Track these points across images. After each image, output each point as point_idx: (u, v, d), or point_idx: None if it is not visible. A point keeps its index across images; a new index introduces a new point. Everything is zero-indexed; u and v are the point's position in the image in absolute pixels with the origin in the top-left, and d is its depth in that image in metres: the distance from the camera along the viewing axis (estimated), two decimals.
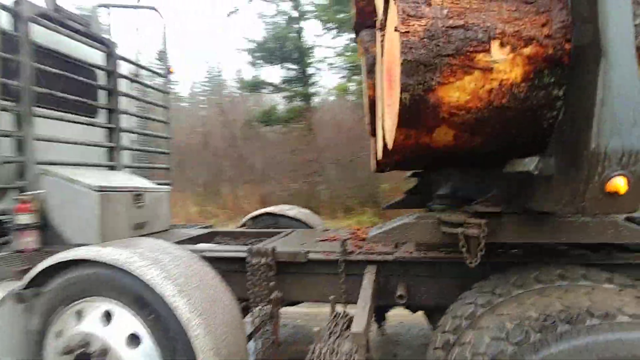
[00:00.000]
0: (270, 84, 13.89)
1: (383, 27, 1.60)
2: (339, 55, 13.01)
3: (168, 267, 1.70)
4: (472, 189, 1.65)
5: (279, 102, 14.64)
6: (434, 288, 1.85)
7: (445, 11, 1.17)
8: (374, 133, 2.61)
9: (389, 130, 1.43)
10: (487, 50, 1.14)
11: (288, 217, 3.47)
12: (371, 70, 2.36)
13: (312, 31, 14.04)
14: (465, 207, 1.48)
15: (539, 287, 1.33)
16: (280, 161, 12.21)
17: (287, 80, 13.96)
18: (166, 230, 3.21)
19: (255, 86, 14.02)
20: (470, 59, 1.14)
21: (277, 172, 11.99)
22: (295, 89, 14.01)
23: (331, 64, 12.87)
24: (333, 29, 12.39)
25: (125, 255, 1.69)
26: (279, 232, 2.91)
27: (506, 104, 1.17)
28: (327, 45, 14.59)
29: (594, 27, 1.00)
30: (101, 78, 3.20)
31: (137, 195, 2.89)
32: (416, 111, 1.21)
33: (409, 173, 3.48)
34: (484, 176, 1.60)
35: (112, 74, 3.14)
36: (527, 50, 1.12)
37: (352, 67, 12.53)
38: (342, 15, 11.50)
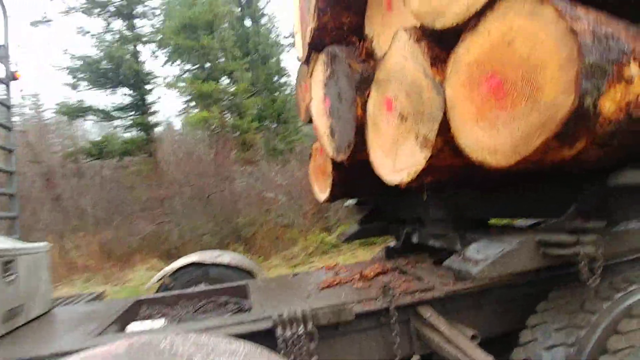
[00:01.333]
0: (101, 111, 11.75)
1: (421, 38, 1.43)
2: (186, 83, 12.12)
3: None
4: (544, 206, 1.61)
5: (114, 131, 12.47)
6: (484, 318, 1.71)
7: (593, 17, 1.11)
8: (350, 158, 2.38)
9: (505, 142, 1.25)
10: (628, 64, 1.12)
11: (222, 265, 2.81)
12: (359, 88, 2.15)
13: (154, 55, 12.68)
14: (564, 226, 1.41)
15: None
16: (121, 201, 10.26)
17: (122, 108, 12.11)
18: (48, 311, 2.13)
19: (79, 112, 11.61)
20: (621, 70, 1.09)
21: (118, 214, 10.01)
22: (132, 117, 12.26)
23: (181, 92, 11.85)
24: (181, 55, 11.52)
25: None
26: (229, 287, 2.30)
27: (637, 115, 1.16)
28: (173, 74, 13.40)
29: None
30: None
31: (7, 262, 1.82)
32: (582, 119, 1.08)
33: (349, 201, 3.33)
34: (555, 192, 1.59)
35: None
36: None
37: (201, 96, 11.86)
38: (191, 42, 10.84)
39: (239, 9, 17.50)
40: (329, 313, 1.50)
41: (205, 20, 10.85)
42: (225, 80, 14.77)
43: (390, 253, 2.67)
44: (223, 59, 13.16)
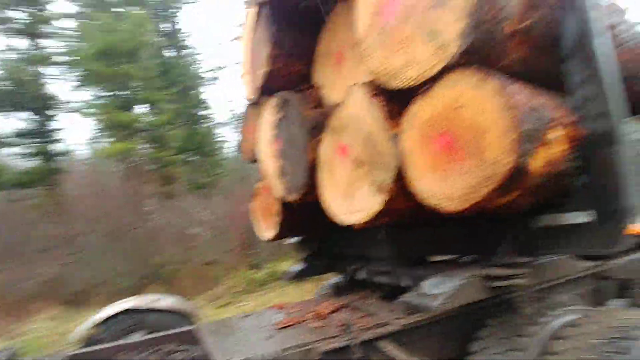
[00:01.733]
0: None
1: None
2: (99, 110, 11.28)
3: None
4: (482, 245, 1.85)
5: (5, 160, 10.89)
6: (438, 346, 1.86)
7: (527, 91, 1.40)
8: (302, 198, 2.47)
9: (458, 191, 1.45)
10: (551, 130, 1.41)
11: (160, 311, 2.62)
12: (313, 133, 2.29)
13: (62, 79, 11.60)
14: (500, 261, 1.64)
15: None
16: (17, 240, 8.87)
17: (22, 134, 10.78)
18: None
19: None
20: (546, 135, 1.38)
21: (12, 255, 8.60)
22: (33, 144, 10.96)
23: (96, 119, 10.95)
24: (97, 81, 10.74)
25: None
26: (175, 334, 2.16)
27: (556, 170, 1.46)
28: (82, 100, 12.33)
29: (607, 122, 1.45)
30: None
31: None
32: (518, 175, 1.32)
33: (293, 239, 3.38)
34: (490, 232, 1.84)
35: None
36: (567, 132, 1.47)
37: (118, 126, 11.12)
38: (110, 69, 10.21)
39: (161, 38, 17.12)
40: (298, 353, 1.52)
41: (128, 47, 10.39)
42: (141, 110, 14.08)
43: (337, 290, 2.76)
44: (143, 89, 12.59)
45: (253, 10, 2.82)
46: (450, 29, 1.42)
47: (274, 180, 2.78)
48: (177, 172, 12.96)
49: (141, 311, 2.56)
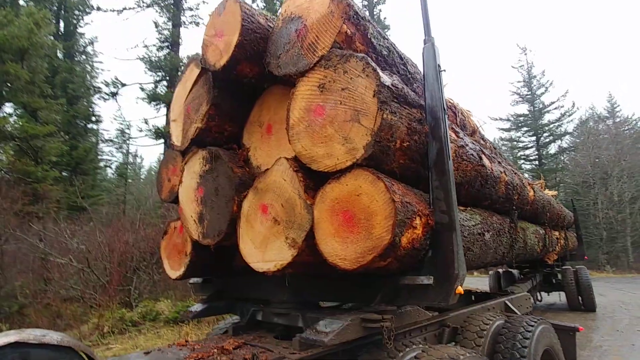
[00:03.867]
0: None
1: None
2: None
3: None
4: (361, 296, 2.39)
5: None
6: None
7: (401, 191, 2.05)
8: (217, 243, 2.78)
9: (351, 254, 1.99)
10: (415, 218, 2.08)
11: (50, 346, 2.53)
12: (238, 189, 2.68)
13: None
14: (374, 308, 2.20)
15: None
16: None
17: None
18: None
19: None
20: (412, 221, 2.04)
21: None
22: None
23: None
24: None
25: None
26: None
27: (416, 246, 2.12)
28: None
29: (449, 216, 2.19)
30: None
31: None
32: (392, 248, 1.92)
33: (195, 279, 3.57)
34: (368, 285, 2.40)
35: None
36: (424, 221, 2.16)
37: None
38: None
39: (59, 42, 15.68)
40: None
41: (18, 46, 9.35)
42: (15, 115, 12.41)
43: (234, 330, 3.01)
44: (24, 92, 11.23)
45: (195, 68, 3.18)
46: (360, 139, 2.03)
47: (190, 223, 3.03)
48: (49, 190, 11.47)
49: (27, 345, 2.42)
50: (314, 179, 2.31)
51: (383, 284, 2.32)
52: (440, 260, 2.17)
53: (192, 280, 3.53)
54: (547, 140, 33.98)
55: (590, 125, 34.95)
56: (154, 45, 19.75)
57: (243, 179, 2.76)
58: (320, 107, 2.23)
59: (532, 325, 3.06)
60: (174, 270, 3.19)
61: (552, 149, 34.78)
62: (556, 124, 33.54)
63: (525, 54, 43.18)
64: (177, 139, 3.26)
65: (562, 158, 34.70)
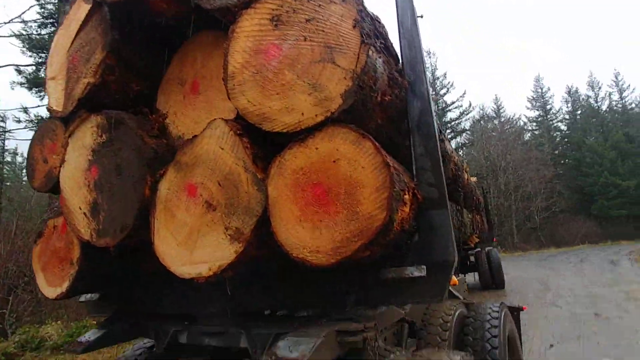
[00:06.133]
0: None
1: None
2: None
3: None
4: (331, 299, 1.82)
5: None
6: None
7: (390, 157, 1.54)
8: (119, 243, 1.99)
9: (328, 244, 1.43)
10: (406, 193, 1.59)
11: None
12: (152, 165, 1.93)
13: None
14: (348, 314, 1.65)
15: None
16: None
17: None
18: None
19: None
20: (403, 196, 1.54)
21: None
22: None
23: None
24: None
25: None
26: None
27: (406, 228, 1.64)
28: None
29: (438, 190, 1.76)
30: None
31: None
32: (385, 231, 1.40)
33: (88, 295, 2.69)
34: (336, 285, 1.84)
35: None
36: (411, 196, 1.69)
37: None
38: None
39: None
40: None
41: None
42: None
43: (150, 359, 2.24)
44: None
45: (83, 4, 2.29)
46: (335, 85, 1.47)
47: (78, 217, 2.16)
48: None
49: None
50: (265, 146, 1.70)
51: (357, 280, 1.80)
52: (430, 245, 1.72)
53: (84, 297, 2.61)
54: (450, 136, 37.24)
55: (482, 124, 39.28)
56: (35, 21, 16.67)
57: (159, 152, 2.01)
58: (274, 47, 1.61)
59: (497, 312, 2.82)
60: (53, 286, 2.27)
61: (453, 144, 38.21)
62: (457, 122, 36.92)
63: (430, 57, 46.93)
64: (56, 102, 2.33)
65: (461, 153, 38.36)
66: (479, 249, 9.87)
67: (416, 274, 1.66)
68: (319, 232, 1.46)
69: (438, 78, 37.17)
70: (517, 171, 33.63)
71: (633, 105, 43.35)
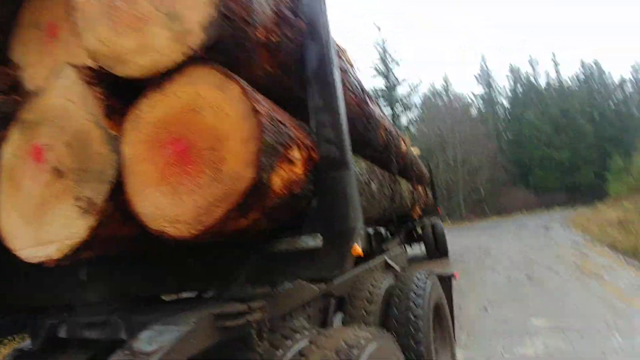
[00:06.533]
0: None
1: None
2: None
3: None
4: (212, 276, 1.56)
5: None
6: None
7: (267, 104, 1.28)
8: None
9: (188, 212, 1.16)
10: (292, 148, 1.36)
11: None
12: None
13: None
14: (233, 294, 1.41)
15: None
16: None
17: None
18: None
19: None
20: (287, 152, 1.30)
21: None
22: None
23: None
24: None
25: None
26: None
27: (296, 192, 1.41)
28: None
29: (339, 148, 1.54)
30: None
31: None
32: (258, 192, 1.15)
33: None
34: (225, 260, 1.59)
35: None
36: (305, 154, 1.46)
37: None
38: None
39: None
40: None
41: None
42: None
43: (28, 358, 1.90)
44: None
45: None
46: (193, 14, 1.17)
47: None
48: None
49: None
50: (122, 97, 1.37)
51: (247, 255, 1.56)
52: (330, 211, 1.50)
53: None
54: (400, 111, 37.87)
55: (432, 100, 40.25)
56: None
57: (6, 112, 1.62)
58: None
59: (422, 281, 2.73)
60: None
61: (404, 120, 38.96)
62: (407, 96, 37.53)
63: (380, 31, 46.93)
64: None
65: (411, 129, 39.21)
66: (425, 221, 10.10)
67: (311, 244, 1.45)
68: (179, 197, 1.18)
69: (388, 53, 37.41)
70: (465, 146, 35.01)
71: (569, 82, 46.35)
